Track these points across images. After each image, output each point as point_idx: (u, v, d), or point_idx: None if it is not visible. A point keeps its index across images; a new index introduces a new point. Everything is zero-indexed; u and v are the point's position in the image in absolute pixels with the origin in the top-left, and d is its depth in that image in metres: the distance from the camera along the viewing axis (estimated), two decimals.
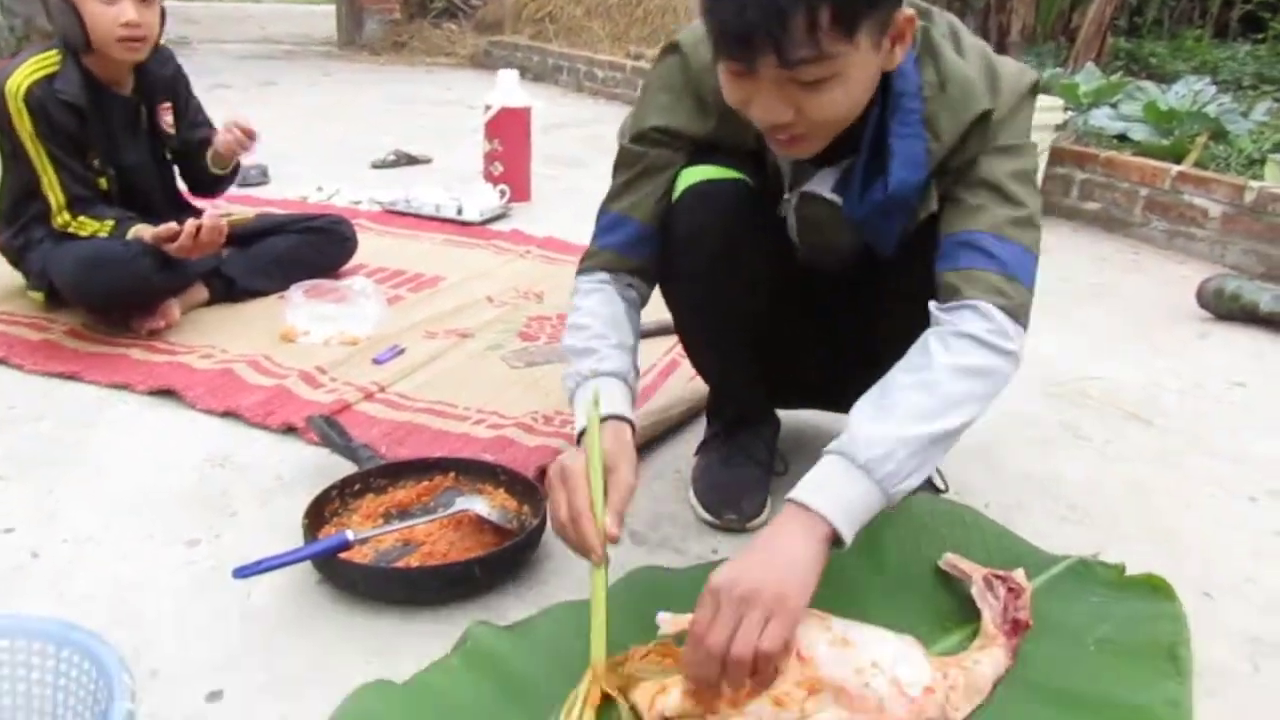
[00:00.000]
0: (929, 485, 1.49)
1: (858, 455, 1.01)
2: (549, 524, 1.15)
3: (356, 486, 1.41)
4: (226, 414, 1.69)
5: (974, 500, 1.51)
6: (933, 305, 1.13)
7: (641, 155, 1.27)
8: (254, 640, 1.16)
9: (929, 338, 1.10)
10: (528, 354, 2.02)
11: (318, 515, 1.33)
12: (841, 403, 1.59)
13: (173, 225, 1.92)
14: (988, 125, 1.14)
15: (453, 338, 2.09)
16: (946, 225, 1.16)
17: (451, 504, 1.36)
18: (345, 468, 1.46)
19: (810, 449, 1.67)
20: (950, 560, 1.24)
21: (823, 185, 1.22)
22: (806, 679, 0.96)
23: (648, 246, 1.29)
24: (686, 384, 1.82)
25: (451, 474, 1.46)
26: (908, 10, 1.03)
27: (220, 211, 2.11)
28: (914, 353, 1.10)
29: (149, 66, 2.06)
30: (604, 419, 1.14)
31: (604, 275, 1.29)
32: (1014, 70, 1.18)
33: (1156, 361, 2.18)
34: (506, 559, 1.28)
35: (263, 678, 1.10)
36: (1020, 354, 1.11)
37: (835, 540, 1.00)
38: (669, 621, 1.06)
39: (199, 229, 1.92)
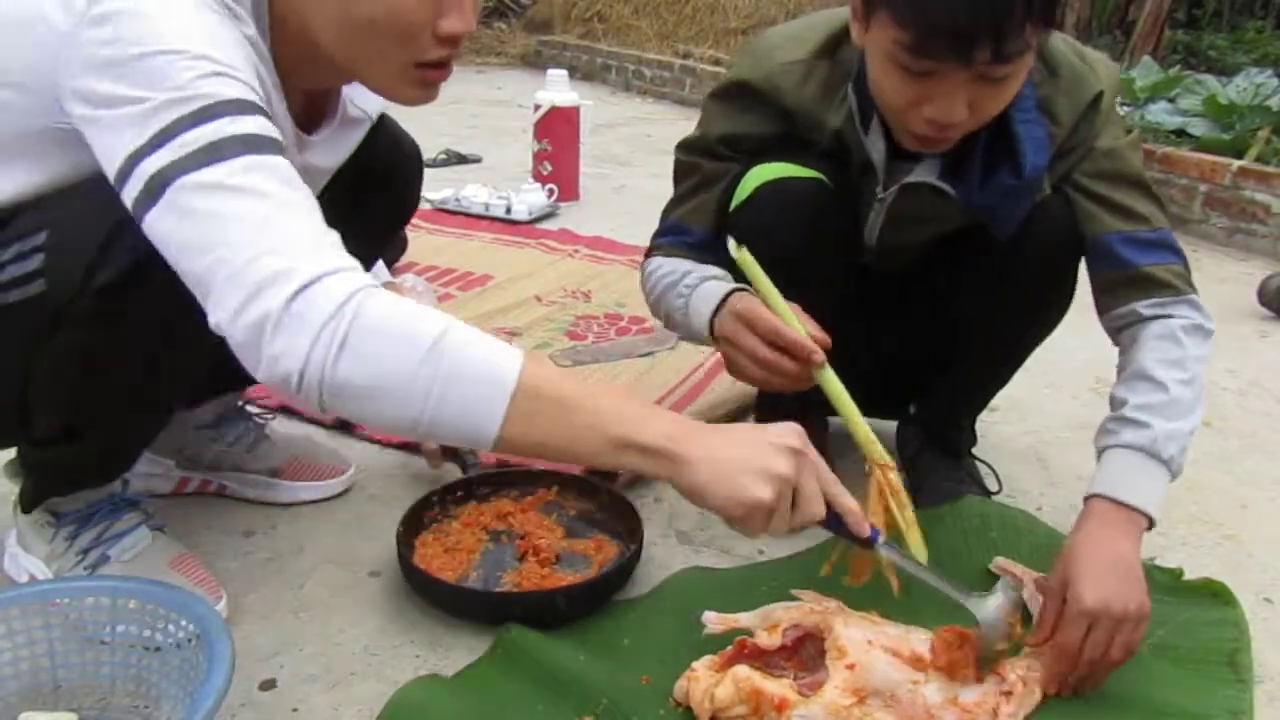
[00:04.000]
0: (981, 487, 1.47)
1: (1161, 453, 1.11)
2: (734, 379, 1.16)
3: (459, 493, 1.38)
4: (282, 409, 1.72)
5: (1026, 502, 1.49)
6: (1146, 303, 1.19)
7: (699, 166, 1.29)
8: (307, 631, 1.18)
9: (1176, 332, 1.17)
10: (575, 353, 2.03)
11: (416, 522, 1.31)
12: (888, 408, 1.59)
13: None
14: (1099, 109, 1.17)
15: (501, 336, 2.10)
16: (1116, 222, 1.20)
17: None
18: (385, 465, 1.48)
19: (854, 448, 1.66)
20: (1001, 564, 1.23)
21: (927, 175, 1.21)
22: (856, 685, 0.95)
23: (709, 253, 1.29)
24: (734, 384, 1.82)
25: (554, 488, 1.42)
26: None
27: None
28: (1164, 345, 1.17)
29: None
30: (731, 291, 1.16)
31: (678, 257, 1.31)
32: (1102, 58, 1.22)
33: (1215, 361, 2.12)
34: (593, 591, 1.22)
35: (314, 669, 1.12)
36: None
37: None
38: (714, 620, 1.06)
39: None
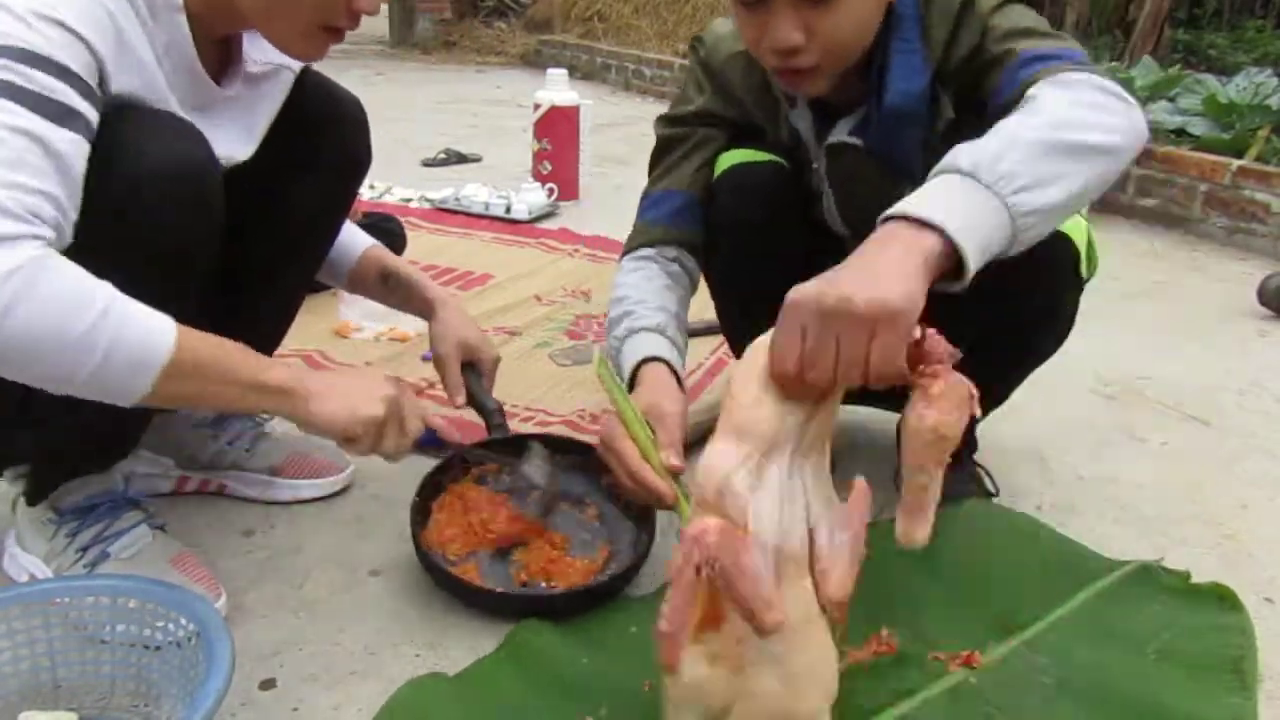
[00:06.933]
0: (980, 488, 1.47)
1: (961, 164, 0.88)
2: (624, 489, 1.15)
3: (455, 471, 1.37)
4: None
5: (1026, 502, 1.49)
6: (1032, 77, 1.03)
7: (681, 137, 1.34)
8: (307, 631, 1.18)
9: (1067, 79, 0.99)
10: (575, 352, 2.03)
11: (423, 509, 1.30)
12: (889, 399, 1.59)
13: None
14: (973, 11, 1.13)
15: (501, 335, 2.11)
16: (999, 75, 1.09)
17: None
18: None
19: (855, 445, 1.67)
20: None
21: (841, 133, 1.25)
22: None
23: (692, 214, 1.33)
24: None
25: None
26: None
27: None
28: (1051, 89, 0.99)
29: None
30: (640, 362, 1.20)
31: (648, 252, 1.33)
32: None
33: (1215, 361, 2.13)
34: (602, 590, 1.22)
35: (314, 668, 1.11)
36: (1141, 116, 0.98)
37: (957, 262, 0.84)
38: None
39: None
